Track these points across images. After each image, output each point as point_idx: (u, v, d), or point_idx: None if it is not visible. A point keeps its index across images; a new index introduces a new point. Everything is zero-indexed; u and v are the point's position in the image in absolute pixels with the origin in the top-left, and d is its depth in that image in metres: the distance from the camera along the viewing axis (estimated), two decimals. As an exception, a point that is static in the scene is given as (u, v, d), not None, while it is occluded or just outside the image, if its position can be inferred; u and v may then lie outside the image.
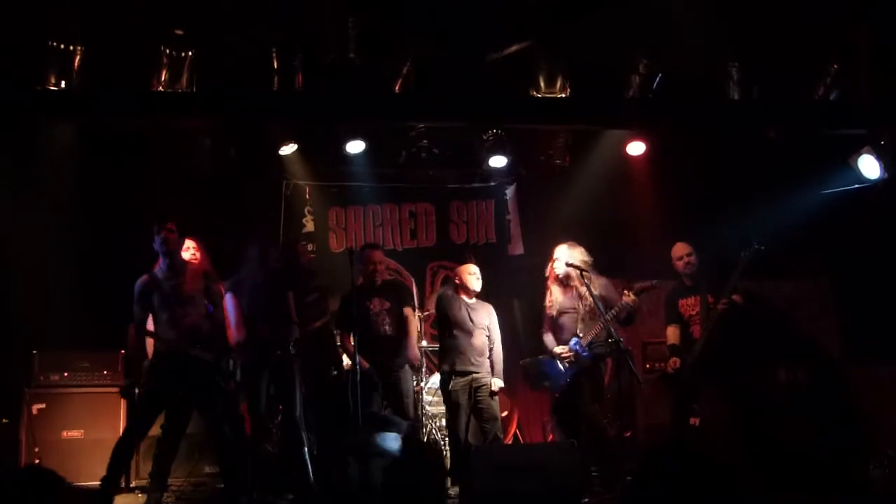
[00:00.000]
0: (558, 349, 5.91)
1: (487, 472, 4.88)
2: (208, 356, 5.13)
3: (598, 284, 5.85)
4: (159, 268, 5.22)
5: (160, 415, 5.36)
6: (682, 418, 5.93)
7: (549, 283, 6.04)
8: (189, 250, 5.63)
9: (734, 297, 5.88)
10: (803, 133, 6.66)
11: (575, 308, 5.90)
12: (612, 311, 5.73)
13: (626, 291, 5.81)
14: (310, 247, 6.50)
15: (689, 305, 6.08)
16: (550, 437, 6.37)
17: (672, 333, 6.15)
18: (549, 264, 6.04)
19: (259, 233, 5.93)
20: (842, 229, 7.02)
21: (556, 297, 5.97)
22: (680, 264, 6.14)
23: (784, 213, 6.74)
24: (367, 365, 5.77)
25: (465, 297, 6.06)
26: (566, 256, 5.88)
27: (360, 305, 5.96)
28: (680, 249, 6.16)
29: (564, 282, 5.93)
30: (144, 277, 5.21)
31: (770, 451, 5.42)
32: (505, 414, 6.88)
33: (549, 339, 6.01)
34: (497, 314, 6.28)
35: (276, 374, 5.58)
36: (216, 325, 5.29)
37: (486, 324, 6.06)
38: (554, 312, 5.97)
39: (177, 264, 5.25)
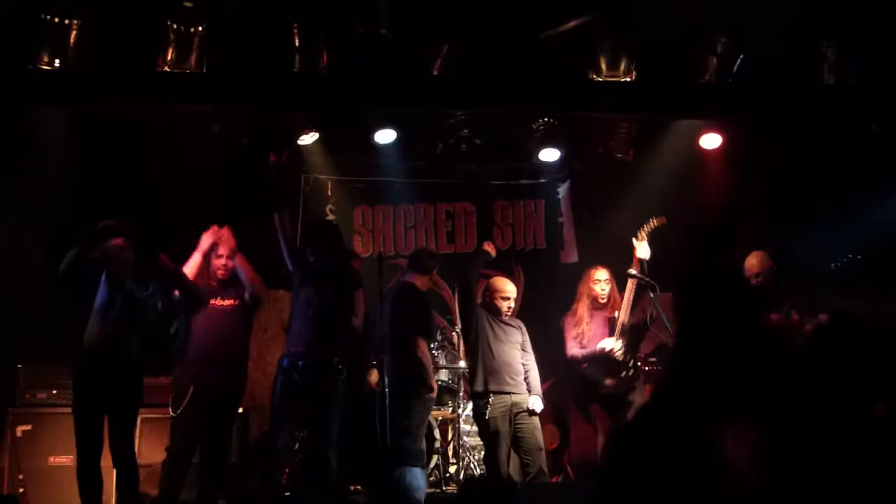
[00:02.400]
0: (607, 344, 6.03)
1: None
2: None
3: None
4: None
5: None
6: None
7: (578, 305, 6.24)
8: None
9: (822, 316, 5.77)
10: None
11: (605, 333, 6.10)
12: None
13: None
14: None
15: None
16: None
17: None
18: (589, 285, 6.23)
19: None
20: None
21: (585, 322, 6.19)
22: (758, 280, 5.94)
23: (884, 217, 6.67)
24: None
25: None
26: (604, 276, 6.23)
27: None
28: (755, 263, 5.99)
29: (600, 304, 6.21)
30: None
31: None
32: (554, 447, 6.91)
33: (577, 350, 6.17)
34: (547, 332, 6.31)
35: (313, 397, 5.57)
36: None
37: (518, 339, 6.13)
38: (584, 340, 6.18)
39: None
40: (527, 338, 6.18)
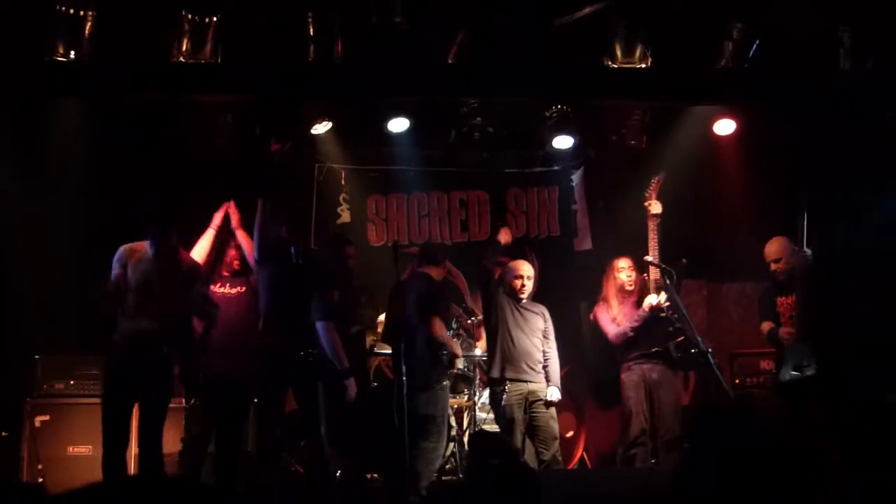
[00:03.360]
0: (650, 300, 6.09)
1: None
2: None
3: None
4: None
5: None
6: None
7: (608, 295, 6.32)
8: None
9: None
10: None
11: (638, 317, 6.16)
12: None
13: None
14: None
15: (789, 305, 6.05)
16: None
17: (767, 330, 6.16)
18: (614, 276, 6.30)
19: (289, 223, 5.96)
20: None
21: (618, 310, 6.25)
22: (778, 266, 6.09)
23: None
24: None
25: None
26: (627, 264, 6.30)
27: None
28: (775, 249, 6.12)
29: (627, 291, 6.28)
30: None
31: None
32: (570, 435, 6.90)
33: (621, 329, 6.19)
34: (562, 320, 6.30)
35: (297, 385, 5.66)
36: None
37: (540, 326, 6.12)
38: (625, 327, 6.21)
39: None
40: (549, 325, 6.19)
